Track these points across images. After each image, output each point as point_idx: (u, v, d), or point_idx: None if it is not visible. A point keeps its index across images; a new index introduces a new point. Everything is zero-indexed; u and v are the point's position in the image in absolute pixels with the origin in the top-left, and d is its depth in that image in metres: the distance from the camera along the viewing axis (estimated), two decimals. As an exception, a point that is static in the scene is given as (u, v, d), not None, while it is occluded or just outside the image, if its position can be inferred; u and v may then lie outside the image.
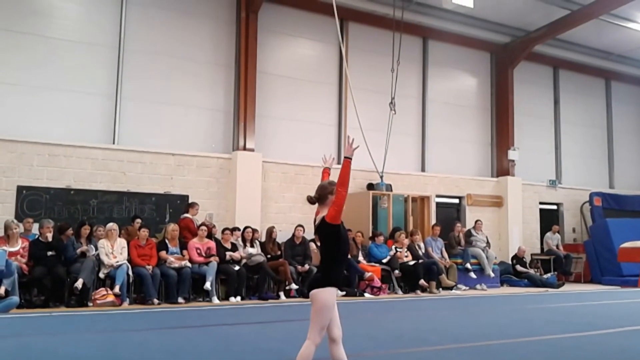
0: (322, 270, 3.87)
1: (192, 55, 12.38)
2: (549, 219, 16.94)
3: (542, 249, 16.28)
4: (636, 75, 18.79)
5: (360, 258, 11.83)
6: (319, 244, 3.89)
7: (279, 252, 11.16)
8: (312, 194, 4.04)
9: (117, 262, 9.22)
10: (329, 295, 3.75)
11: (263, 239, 11.37)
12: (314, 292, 3.78)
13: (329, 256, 3.86)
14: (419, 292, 11.67)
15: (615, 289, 13.83)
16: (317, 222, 3.90)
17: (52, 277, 8.71)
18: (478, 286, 13.06)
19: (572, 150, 17.84)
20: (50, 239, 9.02)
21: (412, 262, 12.04)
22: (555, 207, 17.43)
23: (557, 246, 15.84)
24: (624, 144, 18.99)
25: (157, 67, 11.97)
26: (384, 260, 11.89)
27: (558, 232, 16.21)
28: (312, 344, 3.71)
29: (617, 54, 17.59)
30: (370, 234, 12.46)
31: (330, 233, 3.80)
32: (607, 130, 18.79)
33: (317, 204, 3.98)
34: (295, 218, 12.50)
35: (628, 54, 17.56)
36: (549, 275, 14.60)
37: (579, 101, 18.18)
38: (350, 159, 3.81)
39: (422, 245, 12.83)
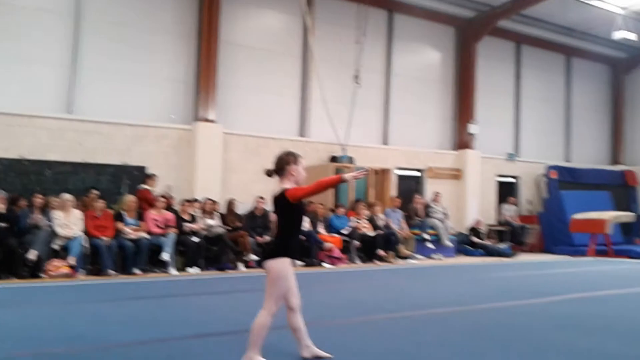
0: (277, 241, 3.89)
1: (153, 24, 12.07)
2: (506, 191, 17.28)
3: (498, 220, 16.63)
4: (596, 52, 19.13)
5: (321, 229, 11.88)
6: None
7: (239, 224, 11.11)
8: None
9: (72, 233, 9.05)
10: (283, 266, 3.77)
11: (223, 211, 11.31)
12: (268, 262, 3.81)
13: (285, 228, 3.87)
14: (377, 262, 11.82)
15: (566, 258, 14.25)
16: (276, 194, 3.88)
17: (4, 249, 8.49)
18: (435, 256, 13.30)
19: (531, 124, 18.14)
20: (2, 210, 8.78)
21: (371, 233, 12.16)
22: (512, 179, 17.78)
23: (513, 217, 16.21)
24: (581, 119, 19.40)
25: (115, 36, 11.64)
26: (344, 231, 11.98)
27: (514, 204, 16.55)
28: (268, 313, 3.75)
29: (579, 31, 17.83)
30: (332, 206, 12.51)
31: (288, 206, 3.79)
32: (566, 106, 19.14)
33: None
34: (256, 190, 12.40)
35: (589, 31, 17.81)
36: (503, 245, 14.95)
37: (540, 77, 18.44)
38: (345, 181, 3.75)
39: (382, 216, 12.96)
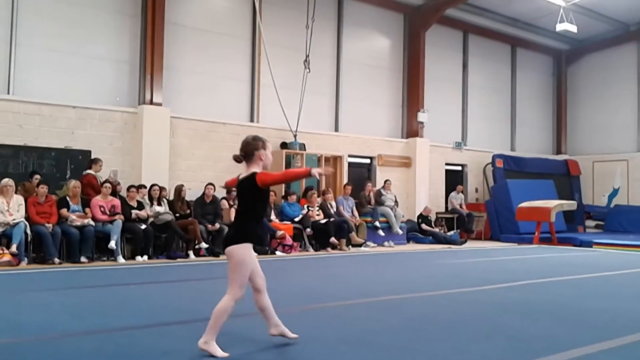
0: (238, 227, 3.87)
1: (96, 2, 11.61)
2: (454, 179, 17.58)
3: (446, 207, 16.93)
4: (540, 43, 19.61)
5: (273, 217, 11.81)
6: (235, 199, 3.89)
7: (188, 211, 10.92)
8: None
9: (14, 219, 8.70)
10: (245, 251, 3.77)
11: (171, 197, 11.08)
12: (230, 248, 3.77)
13: (247, 212, 3.85)
14: (329, 249, 11.84)
15: (512, 245, 14.64)
16: (243, 177, 3.85)
17: (-60, 236, 8.10)
18: (386, 243, 13.44)
19: (478, 113, 18.48)
20: (-64, 196, 8.36)
21: (323, 221, 12.17)
22: (460, 167, 18.11)
23: (461, 205, 16.54)
24: (525, 108, 19.90)
25: (57, 14, 11.15)
26: (296, 219, 11.95)
27: (462, 192, 16.88)
28: (232, 299, 3.75)
29: (523, 22, 18.22)
30: (283, 193, 12.44)
31: (255, 190, 3.78)
32: (511, 96, 19.58)
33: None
34: (205, 176, 12.24)
35: (533, 22, 18.23)
36: (452, 232, 15.24)
37: (486, 66, 18.78)
38: (310, 175, 3.76)
39: (333, 204, 12.99)
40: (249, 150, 3.87)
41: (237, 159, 3.93)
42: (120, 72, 11.89)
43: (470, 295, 6.49)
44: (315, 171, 3.75)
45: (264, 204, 3.93)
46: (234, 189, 4.08)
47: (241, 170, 4.00)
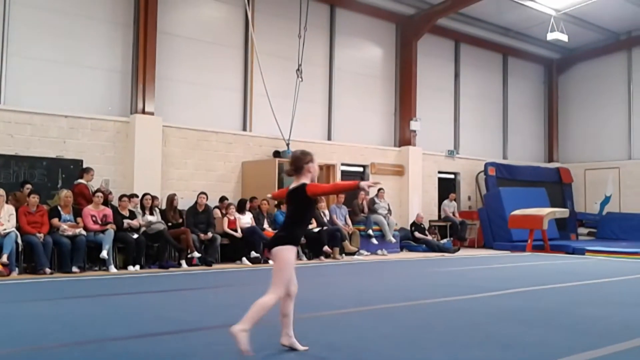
0: (286, 230, 4.12)
1: (88, 12, 11.60)
2: (447, 187, 17.62)
3: (439, 215, 16.94)
4: (531, 52, 19.74)
5: (266, 225, 11.78)
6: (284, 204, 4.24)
7: (180, 220, 10.87)
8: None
9: (5, 229, 8.61)
10: (290, 253, 4.04)
11: (163, 207, 11.03)
12: (276, 249, 4.03)
13: (296, 219, 4.15)
14: (322, 258, 11.80)
15: (505, 253, 14.65)
16: (293, 187, 4.13)
17: None
18: (379, 252, 13.41)
19: (470, 122, 18.55)
20: None
21: (316, 229, 12.13)
22: (452, 176, 18.15)
23: (454, 213, 16.56)
24: (517, 117, 19.99)
25: (49, 23, 11.13)
26: (289, 228, 11.89)
27: (455, 200, 16.90)
28: (274, 297, 3.96)
29: (514, 31, 18.35)
30: (276, 202, 12.41)
31: (305, 199, 4.07)
32: (503, 104, 19.68)
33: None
34: (197, 185, 12.20)
35: (525, 31, 18.36)
36: (445, 240, 15.24)
37: (477, 75, 18.87)
38: (359, 188, 4.00)
39: (327, 212, 12.96)
40: (299, 164, 4.14)
41: (289, 174, 4.24)
42: (112, 82, 11.86)
43: (464, 303, 6.47)
44: (364, 184, 3.97)
45: (311, 212, 4.31)
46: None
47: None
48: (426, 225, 15.71)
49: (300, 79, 12.88)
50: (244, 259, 10.86)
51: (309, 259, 11.83)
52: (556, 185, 19.25)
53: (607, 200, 19.33)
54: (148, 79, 11.78)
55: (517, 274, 9.96)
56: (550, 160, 20.65)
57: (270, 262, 10.53)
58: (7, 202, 9.00)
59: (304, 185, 4.05)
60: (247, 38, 13.59)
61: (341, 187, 4.17)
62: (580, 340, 4.63)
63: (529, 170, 18.79)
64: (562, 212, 15.97)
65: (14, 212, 8.92)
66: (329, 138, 15.15)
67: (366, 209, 13.96)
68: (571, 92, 20.76)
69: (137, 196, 10.53)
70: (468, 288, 7.77)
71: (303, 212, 4.15)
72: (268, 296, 3.93)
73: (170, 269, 9.76)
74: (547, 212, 15.01)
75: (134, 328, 4.95)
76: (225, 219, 11.19)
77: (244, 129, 13.57)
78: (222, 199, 11.78)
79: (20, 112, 10.58)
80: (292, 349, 4.12)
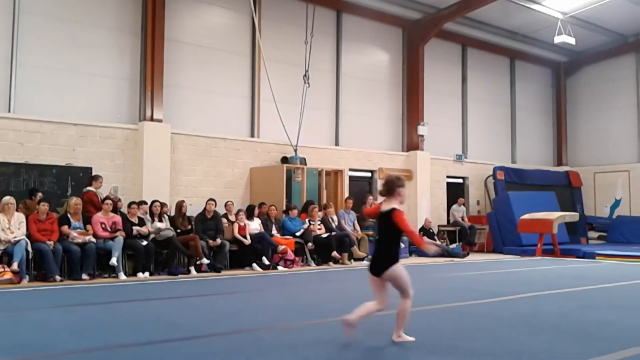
0: (385, 252, 4.55)
1: (96, 21, 11.71)
2: (455, 191, 17.57)
3: (448, 220, 16.90)
4: (539, 55, 19.70)
5: (274, 231, 11.79)
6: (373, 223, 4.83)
7: (189, 227, 10.90)
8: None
9: (15, 237, 8.69)
10: (399, 269, 4.52)
11: (172, 213, 11.07)
12: (387, 273, 4.48)
13: (390, 240, 4.56)
14: (331, 263, 11.80)
15: (515, 258, 14.57)
16: (384, 210, 4.54)
17: (-60, 255, 8.08)
18: (388, 257, 13.35)
19: (478, 126, 18.52)
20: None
21: (325, 235, 12.14)
22: (461, 180, 18.11)
23: (463, 218, 16.51)
24: (525, 120, 19.94)
25: (57, 32, 11.23)
26: (298, 234, 11.92)
27: (463, 205, 16.86)
28: (409, 300, 4.53)
29: (521, 34, 18.34)
30: (284, 208, 12.42)
31: (394, 222, 4.48)
32: (511, 108, 19.64)
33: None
34: (206, 192, 12.26)
35: (532, 35, 18.34)
36: (454, 245, 15.18)
37: (485, 79, 18.85)
38: (421, 247, 4.58)
39: (335, 218, 12.95)
40: (392, 186, 4.57)
41: (382, 194, 4.66)
42: (121, 89, 11.94)
43: (473, 309, 6.44)
44: (427, 247, 4.56)
45: (401, 233, 4.57)
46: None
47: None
48: (435, 230, 15.68)
49: (308, 85, 12.91)
50: (253, 265, 10.86)
51: (317, 264, 11.83)
52: (565, 189, 19.17)
53: (617, 203, 19.21)
54: (156, 87, 11.86)
55: (526, 278, 9.91)
56: (560, 163, 20.56)
57: (281, 268, 10.64)
58: (17, 210, 9.07)
59: (393, 210, 4.48)
60: (254, 45, 13.65)
61: (411, 236, 4.52)
62: (590, 345, 4.60)
63: (538, 174, 18.71)
64: (571, 216, 15.88)
65: (24, 220, 8.99)
66: (337, 143, 15.16)
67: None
68: (579, 95, 20.68)
69: (146, 203, 10.58)
70: (477, 293, 7.74)
71: (395, 233, 4.52)
72: (404, 303, 4.52)
73: (180, 276, 9.79)
74: (556, 216, 14.94)
75: (143, 335, 4.97)
76: (236, 225, 11.21)
77: (252, 135, 13.61)
78: (227, 203, 11.75)
79: (29, 121, 10.67)
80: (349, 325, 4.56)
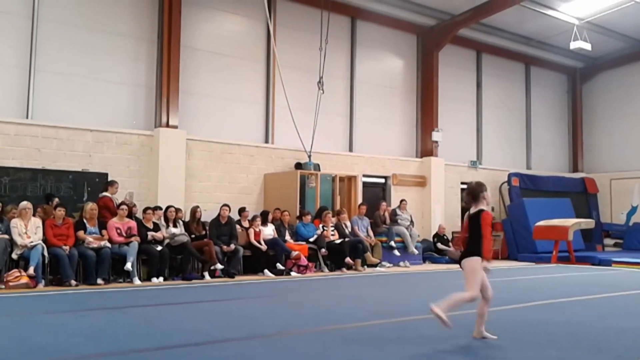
0: (472, 246, 4.97)
1: (113, 28, 11.84)
2: (470, 198, 17.43)
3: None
4: (554, 61, 19.59)
5: (288, 237, 11.81)
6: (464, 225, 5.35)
7: (203, 232, 10.94)
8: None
9: (31, 242, 8.78)
10: (474, 262, 4.88)
11: (187, 219, 11.13)
12: (465, 260, 4.93)
13: (478, 236, 4.93)
14: (344, 269, 11.79)
15: (530, 265, 14.47)
16: (472, 212, 5.05)
17: (-41, 259, 8.19)
18: (402, 263, 13.35)
19: (493, 132, 18.44)
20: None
21: (338, 241, 12.14)
22: (476, 187, 17.96)
23: (477, 225, 16.37)
24: (540, 126, 19.81)
25: (75, 39, 11.38)
26: (311, 239, 11.93)
27: (478, 211, 16.72)
28: (469, 296, 4.84)
29: (536, 40, 18.25)
30: (298, 213, 12.44)
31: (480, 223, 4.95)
32: (526, 114, 19.53)
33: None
34: (220, 197, 12.30)
35: (547, 41, 18.24)
36: (469, 252, 15.05)
37: (500, 85, 18.77)
38: (484, 262, 4.90)
39: (348, 224, 12.95)
40: (476, 193, 5.05)
41: (467, 203, 5.12)
42: (137, 96, 12.05)
43: (487, 316, 6.39)
44: (485, 265, 4.89)
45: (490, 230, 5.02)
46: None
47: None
48: (449, 237, 15.60)
49: (322, 91, 12.94)
50: (266, 270, 10.88)
51: (330, 270, 11.83)
52: (581, 196, 19.00)
53: (633, 210, 19.00)
54: (172, 93, 11.95)
55: (541, 285, 9.83)
56: (575, 170, 20.39)
57: (294, 274, 10.65)
58: (34, 215, 9.17)
59: (481, 211, 4.95)
60: (269, 51, 13.72)
61: (486, 242, 4.86)
62: (606, 354, 4.56)
63: (553, 181, 18.57)
64: (587, 223, 15.74)
65: (41, 225, 9.08)
66: (351, 149, 15.17)
67: (388, 220, 13.91)
68: (595, 101, 20.52)
69: (161, 208, 10.65)
70: (492, 300, 7.67)
71: (480, 232, 4.92)
72: (464, 293, 4.84)
73: (193, 281, 9.83)
74: (572, 223, 14.82)
75: (156, 340, 5.00)
76: (252, 231, 11.24)
77: (266, 141, 13.66)
78: (241, 209, 11.79)
79: (47, 127, 10.80)
80: (483, 338, 4.98)
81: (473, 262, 4.88)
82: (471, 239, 5.02)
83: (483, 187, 5.06)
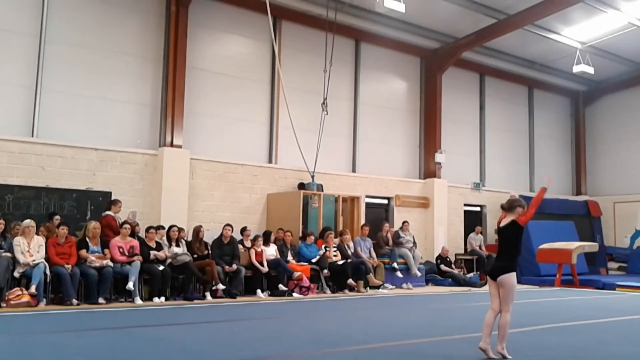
0: (506, 261, 5.18)
1: (119, 48, 11.95)
2: (473, 220, 17.44)
3: (465, 249, 16.74)
4: (557, 84, 19.67)
5: (290, 258, 11.78)
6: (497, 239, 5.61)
7: (206, 252, 10.93)
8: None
9: (34, 260, 8.77)
10: (514, 279, 5.12)
11: (189, 238, 11.12)
12: (502, 277, 5.11)
13: (513, 250, 5.19)
14: (347, 291, 11.73)
15: (533, 288, 14.39)
16: (504, 224, 5.27)
17: (-39, 277, 8.17)
18: (404, 285, 13.28)
19: (496, 154, 18.46)
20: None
21: (341, 262, 12.09)
22: (478, 208, 17.99)
23: (480, 246, 16.34)
24: (544, 149, 19.83)
25: (81, 59, 11.47)
26: (314, 260, 11.89)
27: (481, 233, 16.71)
28: (508, 313, 5.10)
29: (539, 64, 18.35)
30: (301, 234, 12.42)
31: (517, 232, 5.20)
32: (529, 137, 19.56)
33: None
34: (223, 217, 12.31)
35: (550, 64, 18.35)
36: (472, 274, 15.03)
37: (503, 107, 18.83)
38: (546, 189, 5.35)
39: (351, 245, 12.91)
40: (514, 204, 5.28)
41: (503, 208, 5.38)
42: (142, 115, 12.12)
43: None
44: (547, 184, 5.40)
45: (521, 242, 5.28)
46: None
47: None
48: (452, 259, 15.54)
49: (326, 112, 13.00)
50: (258, 291, 10.79)
51: (333, 292, 11.76)
52: (585, 219, 18.94)
53: (637, 234, 18.91)
54: (177, 113, 12.03)
55: (545, 309, 9.77)
56: (579, 193, 20.36)
57: (296, 295, 10.60)
58: (37, 234, 9.17)
59: (514, 220, 5.18)
60: (273, 72, 13.82)
61: (538, 201, 5.22)
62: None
63: (556, 204, 18.52)
64: (591, 246, 15.67)
65: (44, 244, 9.08)
66: (354, 170, 15.19)
67: (391, 242, 13.88)
68: (599, 124, 20.55)
69: (163, 228, 10.65)
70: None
71: (516, 243, 5.20)
72: (505, 316, 5.09)
73: (195, 301, 9.79)
74: (575, 246, 14.76)
75: (158, 361, 4.97)
76: (253, 251, 11.22)
77: (270, 161, 13.70)
78: (243, 229, 11.77)
79: (51, 145, 10.86)
80: (486, 354, 5.16)
81: (512, 278, 5.12)
82: (505, 253, 5.21)
83: (521, 202, 5.29)
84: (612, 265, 18.69)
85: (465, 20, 15.23)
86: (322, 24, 13.32)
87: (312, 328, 7.17)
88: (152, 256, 10.02)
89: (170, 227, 10.69)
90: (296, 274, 11.17)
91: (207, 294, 10.17)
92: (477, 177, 17.93)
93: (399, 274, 13.31)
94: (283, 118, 13.37)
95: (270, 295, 10.84)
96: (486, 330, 5.16)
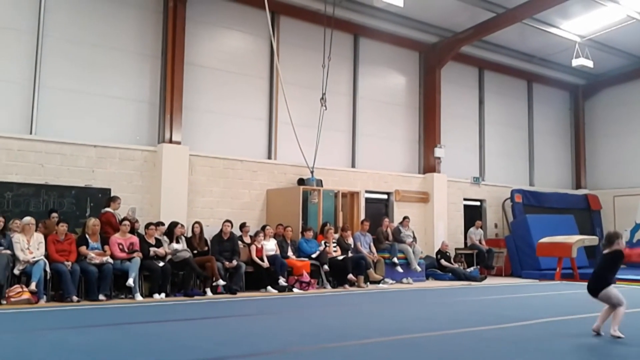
0: (605, 278, 6.17)
1: (117, 45, 11.93)
2: (473, 214, 17.45)
3: (465, 243, 16.75)
4: (556, 78, 19.66)
5: (290, 253, 11.78)
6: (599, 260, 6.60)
7: (205, 248, 10.92)
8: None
9: (34, 257, 8.76)
10: (611, 292, 6.09)
11: (189, 235, 11.11)
12: (602, 293, 6.07)
13: (608, 270, 6.25)
14: (347, 286, 11.74)
15: (533, 282, 14.39)
16: (607, 252, 6.25)
17: (-39, 274, 8.16)
18: (404, 280, 13.28)
19: (495, 148, 18.45)
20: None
21: (341, 257, 12.10)
22: (478, 203, 17.99)
23: (480, 241, 16.35)
24: (543, 143, 19.82)
25: (79, 55, 11.46)
26: (313, 255, 11.89)
27: (481, 228, 16.72)
28: (623, 306, 6.04)
29: (539, 57, 18.34)
30: (300, 229, 12.42)
31: (619, 260, 6.25)
32: (528, 130, 19.55)
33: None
34: (223, 213, 12.29)
35: (549, 58, 18.33)
36: (472, 269, 15.03)
37: (502, 102, 18.82)
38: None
39: (351, 240, 12.91)
40: (612, 240, 6.26)
41: (605, 246, 6.34)
42: (141, 112, 12.11)
43: (490, 334, 6.36)
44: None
45: (619, 266, 6.30)
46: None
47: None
48: (452, 254, 15.54)
49: (325, 108, 12.97)
50: (269, 287, 10.83)
51: (333, 287, 11.77)
52: (584, 212, 18.94)
53: (637, 227, 18.85)
54: (175, 109, 12.01)
55: (545, 303, 9.77)
56: (578, 186, 20.37)
57: (297, 290, 10.60)
58: (36, 231, 9.16)
59: (617, 250, 6.18)
60: (272, 68, 13.79)
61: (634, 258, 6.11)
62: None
63: (556, 197, 18.52)
64: (591, 240, 15.66)
65: (43, 241, 9.06)
66: (353, 165, 15.18)
67: (391, 237, 13.88)
68: (598, 118, 20.55)
69: (163, 224, 10.64)
70: (494, 318, 7.65)
71: (615, 267, 6.25)
72: (621, 308, 6.01)
73: (196, 297, 9.79)
74: (575, 240, 14.75)
75: (157, 357, 4.97)
76: (253, 247, 11.21)
77: (269, 157, 13.69)
78: (242, 225, 11.75)
79: (50, 142, 10.85)
80: (598, 333, 6.12)
81: (612, 289, 6.08)
82: (606, 272, 6.22)
83: (620, 235, 6.34)
84: (612, 258, 18.65)
85: (463, 14, 15.20)
86: (320, 19, 13.29)
87: (312, 323, 7.17)
88: (152, 253, 10.01)
89: (175, 224, 10.65)
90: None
91: (208, 290, 10.16)
92: (476, 171, 17.92)
93: (399, 269, 13.31)
94: (282, 114, 13.36)
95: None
96: (601, 316, 6.19)
